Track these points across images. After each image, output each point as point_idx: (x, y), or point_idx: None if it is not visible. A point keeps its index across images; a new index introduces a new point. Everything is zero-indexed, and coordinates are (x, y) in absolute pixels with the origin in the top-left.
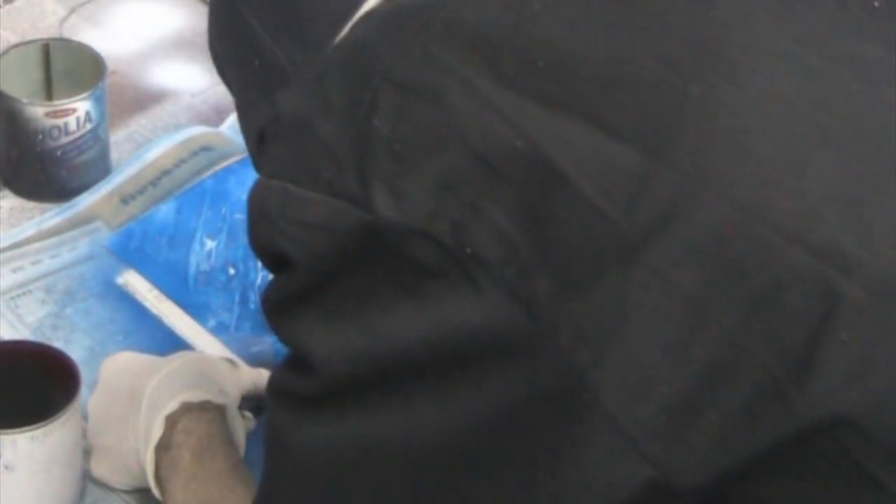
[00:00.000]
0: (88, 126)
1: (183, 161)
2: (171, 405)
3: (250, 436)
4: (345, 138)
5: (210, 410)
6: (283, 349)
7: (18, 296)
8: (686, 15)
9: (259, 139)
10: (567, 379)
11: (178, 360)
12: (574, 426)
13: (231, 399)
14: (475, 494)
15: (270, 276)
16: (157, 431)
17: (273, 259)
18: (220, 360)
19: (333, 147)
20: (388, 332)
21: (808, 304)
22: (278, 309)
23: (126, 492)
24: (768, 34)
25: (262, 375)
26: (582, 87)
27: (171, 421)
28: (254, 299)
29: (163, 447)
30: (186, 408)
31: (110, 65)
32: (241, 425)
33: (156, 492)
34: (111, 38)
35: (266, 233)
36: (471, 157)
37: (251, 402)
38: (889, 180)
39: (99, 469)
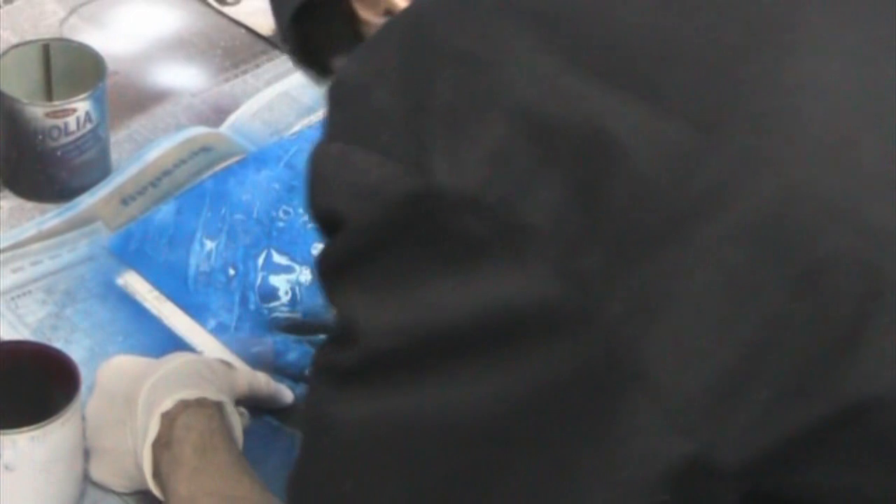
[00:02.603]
0: (88, 126)
1: (183, 161)
2: (167, 403)
3: (246, 433)
4: (401, 107)
5: (208, 407)
6: (283, 349)
7: (18, 296)
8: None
9: (293, 19)
10: (614, 353)
11: (173, 361)
12: (617, 401)
13: (227, 396)
14: (515, 471)
15: (322, 242)
16: (154, 429)
17: (327, 222)
18: (215, 361)
19: (390, 114)
20: (432, 305)
21: (853, 284)
22: (329, 274)
23: (125, 494)
24: (820, 16)
25: (258, 377)
26: (638, 62)
27: (169, 418)
28: (254, 299)
29: (161, 445)
30: (183, 405)
31: (110, 65)
32: (238, 422)
33: (155, 490)
34: (111, 38)
35: (322, 195)
36: (525, 129)
37: (247, 403)
38: None
39: (98, 472)
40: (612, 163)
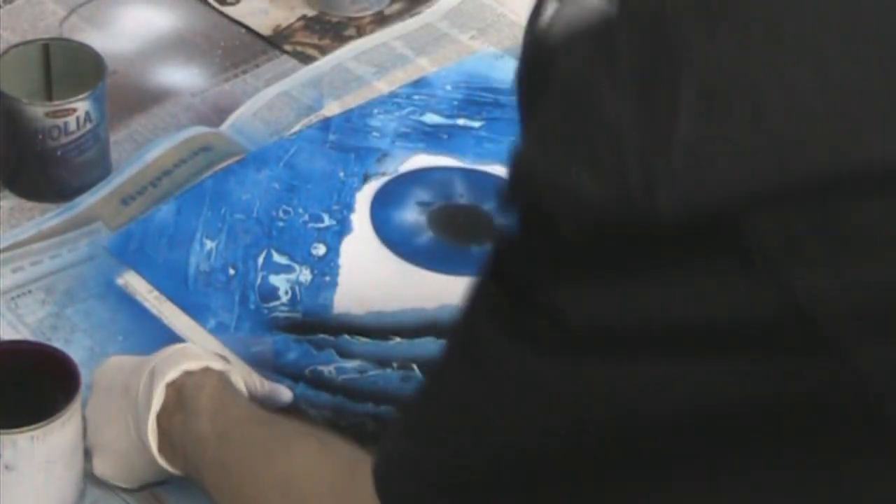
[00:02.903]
0: (88, 126)
1: (183, 161)
2: (172, 374)
3: None
4: (633, 123)
5: (214, 372)
6: (283, 349)
7: (18, 296)
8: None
9: None
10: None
11: (171, 348)
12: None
13: (231, 370)
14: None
15: (508, 224)
16: (159, 398)
17: (528, 219)
18: (212, 354)
19: (618, 129)
20: (645, 304)
21: None
22: (522, 261)
23: (126, 491)
24: None
25: (253, 378)
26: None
27: (175, 387)
28: (254, 299)
29: (171, 412)
30: (188, 374)
31: (110, 65)
32: (245, 391)
33: (162, 462)
34: (111, 38)
35: (528, 196)
36: (778, 170)
37: None
38: None
39: (100, 467)
40: (869, 200)
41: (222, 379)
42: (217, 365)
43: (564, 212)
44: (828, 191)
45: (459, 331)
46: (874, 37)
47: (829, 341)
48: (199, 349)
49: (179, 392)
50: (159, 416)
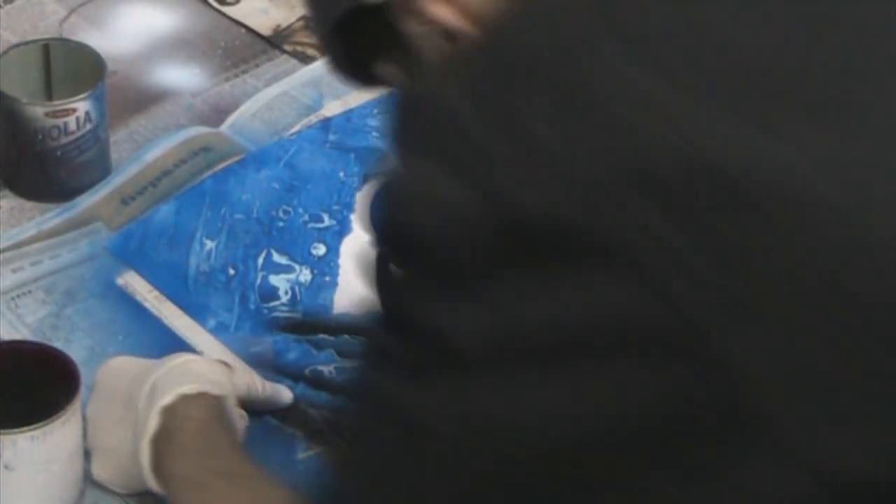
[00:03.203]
0: (88, 126)
1: (183, 161)
2: (168, 398)
3: (246, 433)
4: (495, 133)
5: (209, 399)
6: (283, 349)
7: (18, 296)
8: (861, 21)
9: (335, 28)
10: (730, 391)
11: (173, 360)
12: (731, 440)
13: (227, 391)
14: (598, 490)
15: (386, 253)
16: (154, 423)
17: (402, 241)
18: (214, 362)
19: (481, 142)
20: (522, 317)
21: None
22: (401, 287)
23: (126, 494)
24: None
25: (255, 380)
26: (760, 93)
27: (170, 412)
28: (254, 299)
29: (163, 438)
30: (184, 399)
31: (110, 65)
32: (239, 418)
33: (153, 485)
34: (111, 38)
35: (400, 218)
36: (631, 161)
37: (244, 405)
38: None
39: (99, 472)
40: (727, 198)
41: (214, 411)
42: (214, 389)
43: (435, 225)
44: (688, 186)
45: (358, 389)
46: (713, 30)
47: (701, 340)
48: (202, 364)
49: (172, 417)
50: (155, 440)
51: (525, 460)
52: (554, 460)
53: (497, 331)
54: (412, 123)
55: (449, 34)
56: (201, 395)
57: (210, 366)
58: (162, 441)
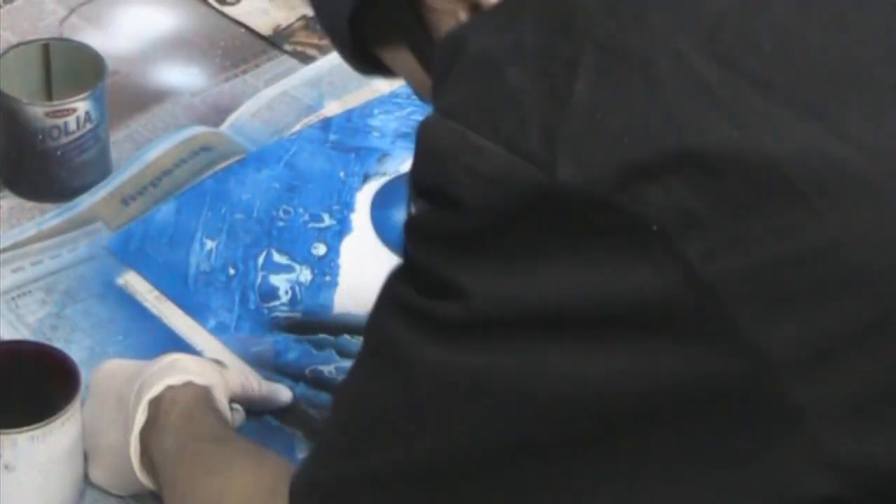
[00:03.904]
0: (88, 126)
1: (183, 161)
2: (155, 389)
3: (246, 433)
4: (534, 91)
5: (195, 388)
6: (283, 349)
7: (18, 296)
8: None
9: (351, 22)
10: (760, 382)
11: (163, 359)
12: (756, 431)
13: (216, 382)
14: (605, 461)
15: (420, 206)
16: (142, 416)
17: (434, 196)
18: (205, 360)
19: (520, 99)
20: (549, 283)
21: None
22: (429, 240)
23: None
24: None
25: (251, 379)
26: (811, 79)
27: (155, 403)
28: (254, 299)
29: (148, 428)
30: (169, 388)
31: (110, 65)
32: (227, 408)
33: (142, 478)
34: (111, 38)
35: (433, 172)
36: (675, 141)
37: (240, 404)
38: None
39: (95, 474)
40: (768, 183)
41: (199, 394)
42: (201, 379)
43: (467, 182)
44: (736, 174)
45: (369, 336)
46: (771, 14)
47: (727, 318)
48: (191, 361)
49: (158, 405)
50: (141, 432)
51: (537, 430)
52: (567, 435)
53: (522, 295)
54: (456, 77)
55: (474, 4)
56: (188, 384)
57: (200, 363)
58: (147, 429)
